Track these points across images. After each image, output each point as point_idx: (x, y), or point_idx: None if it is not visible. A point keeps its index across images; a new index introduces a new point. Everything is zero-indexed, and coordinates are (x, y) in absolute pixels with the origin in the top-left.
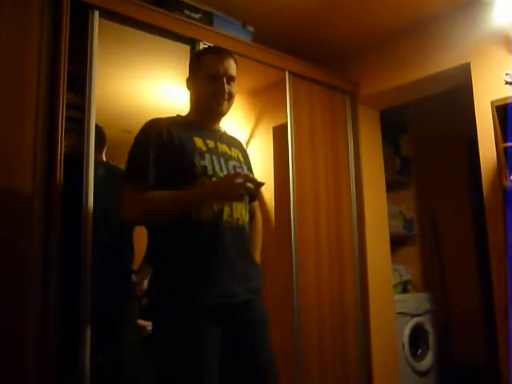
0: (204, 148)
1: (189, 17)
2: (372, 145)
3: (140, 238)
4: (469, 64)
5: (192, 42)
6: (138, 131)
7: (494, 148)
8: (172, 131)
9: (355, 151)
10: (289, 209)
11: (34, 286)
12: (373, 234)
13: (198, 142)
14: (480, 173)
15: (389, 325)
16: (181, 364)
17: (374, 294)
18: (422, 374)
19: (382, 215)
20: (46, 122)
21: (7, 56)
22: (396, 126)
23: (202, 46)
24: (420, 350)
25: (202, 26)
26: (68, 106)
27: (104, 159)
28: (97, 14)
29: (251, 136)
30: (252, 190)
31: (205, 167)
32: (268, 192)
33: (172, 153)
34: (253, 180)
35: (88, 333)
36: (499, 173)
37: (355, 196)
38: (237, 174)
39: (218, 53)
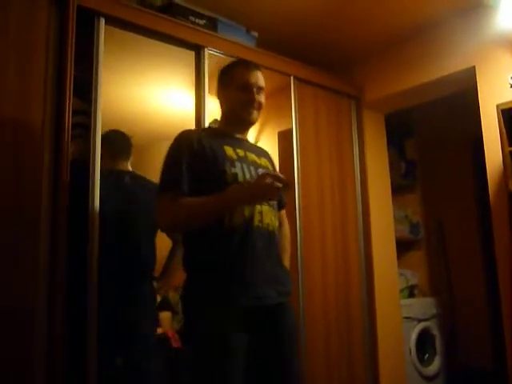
0: (234, 156)
1: (193, 23)
2: (377, 149)
3: (160, 245)
4: (474, 68)
5: (197, 48)
6: (142, 136)
7: (500, 151)
8: (203, 141)
9: (360, 155)
10: (294, 213)
11: (41, 291)
12: (379, 239)
13: (229, 150)
14: (486, 176)
15: (395, 330)
16: (210, 363)
17: (380, 298)
18: (429, 378)
19: (387, 219)
20: (52, 128)
21: (14, 62)
22: (401, 130)
23: (206, 52)
24: (427, 355)
25: (207, 31)
26: (74, 112)
27: (130, 168)
28: (102, 20)
29: (256, 141)
30: (281, 189)
31: (236, 175)
32: None
33: (204, 161)
34: (282, 179)
35: (94, 340)
36: (505, 176)
37: (361, 200)
38: (266, 174)
39: (247, 65)
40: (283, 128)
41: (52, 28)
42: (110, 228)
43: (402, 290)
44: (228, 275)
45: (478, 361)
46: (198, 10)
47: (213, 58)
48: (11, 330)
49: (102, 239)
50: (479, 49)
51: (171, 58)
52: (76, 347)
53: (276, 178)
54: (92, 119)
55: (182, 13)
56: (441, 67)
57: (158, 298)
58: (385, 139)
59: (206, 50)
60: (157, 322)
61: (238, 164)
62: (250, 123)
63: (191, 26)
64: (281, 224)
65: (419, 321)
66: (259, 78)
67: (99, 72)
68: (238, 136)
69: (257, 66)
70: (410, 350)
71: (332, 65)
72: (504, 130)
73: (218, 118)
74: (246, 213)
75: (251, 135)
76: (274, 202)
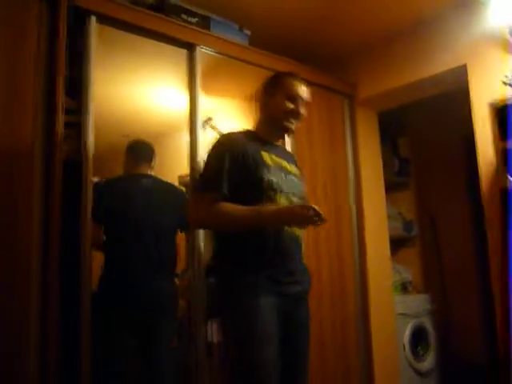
0: (270, 162)
1: (186, 21)
2: (370, 146)
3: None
4: (465, 65)
5: (189, 46)
6: (134, 135)
7: (492, 148)
8: (246, 147)
9: (354, 153)
10: None
11: (34, 291)
12: (372, 236)
13: (265, 156)
14: (478, 173)
15: (389, 326)
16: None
17: (374, 295)
18: (423, 374)
19: (381, 216)
20: (44, 127)
21: (5, 61)
22: (395, 128)
23: (199, 50)
24: (421, 351)
25: (200, 30)
26: (66, 112)
27: (150, 172)
28: (94, 19)
29: None
30: (316, 224)
31: (271, 181)
32: None
33: (245, 168)
34: (320, 216)
35: (88, 341)
36: (497, 173)
37: (354, 197)
38: (309, 207)
39: (298, 77)
40: None
41: (43, 26)
42: (124, 226)
43: (395, 287)
44: (260, 273)
45: (471, 356)
46: (190, 7)
47: (205, 57)
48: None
49: (115, 236)
50: (471, 47)
51: (163, 57)
52: (70, 349)
53: (318, 213)
54: (83, 118)
55: (175, 11)
56: (433, 65)
57: None
58: (378, 136)
59: (198, 48)
60: (174, 318)
61: (273, 170)
62: (288, 132)
63: (184, 24)
64: None
65: (413, 317)
66: (306, 92)
67: (91, 70)
68: (274, 141)
69: (304, 82)
70: (404, 346)
71: (325, 62)
72: (496, 128)
73: (212, 116)
74: None
75: None
76: None
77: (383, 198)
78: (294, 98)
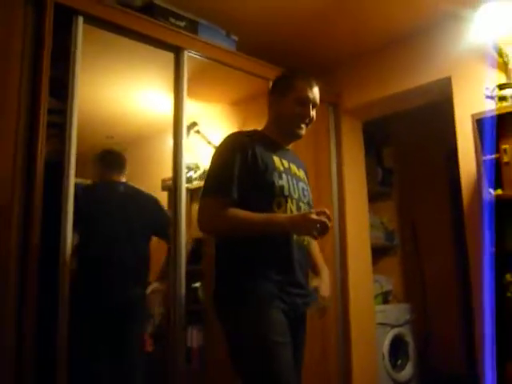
0: (281, 168)
1: (174, 24)
2: (354, 155)
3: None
4: (450, 78)
5: (176, 50)
6: (120, 137)
7: (474, 160)
8: (256, 150)
9: (338, 161)
10: None
11: (11, 292)
12: (354, 245)
13: (277, 161)
14: (460, 184)
15: (369, 335)
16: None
17: (355, 304)
18: None
19: (363, 226)
20: (27, 127)
21: None
22: (379, 138)
23: (186, 54)
24: (400, 361)
25: (187, 34)
26: (50, 112)
27: (123, 180)
28: (81, 19)
29: None
30: (322, 234)
31: (282, 187)
32: None
33: (256, 172)
34: (327, 225)
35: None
36: (478, 184)
37: (337, 206)
38: (318, 220)
39: (309, 79)
40: None
41: (29, 25)
42: (98, 231)
43: (376, 296)
44: (267, 282)
45: (450, 366)
46: (178, 11)
47: (192, 61)
48: None
49: (89, 241)
50: (455, 59)
51: (150, 59)
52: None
53: (325, 224)
54: (68, 119)
55: (163, 14)
56: (418, 77)
57: None
58: (362, 146)
59: (185, 52)
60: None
61: (284, 176)
62: (298, 137)
63: (171, 27)
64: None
65: (392, 326)
66: (317, 94)
67: (76, 71)
68: (284, 145)
69: (317, 82)
70: (383, 355)
71: (311, 71)
72: (478, 140)
73: (197, 120)
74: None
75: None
76: None
77: (366, 208)
78: (305, 101)
